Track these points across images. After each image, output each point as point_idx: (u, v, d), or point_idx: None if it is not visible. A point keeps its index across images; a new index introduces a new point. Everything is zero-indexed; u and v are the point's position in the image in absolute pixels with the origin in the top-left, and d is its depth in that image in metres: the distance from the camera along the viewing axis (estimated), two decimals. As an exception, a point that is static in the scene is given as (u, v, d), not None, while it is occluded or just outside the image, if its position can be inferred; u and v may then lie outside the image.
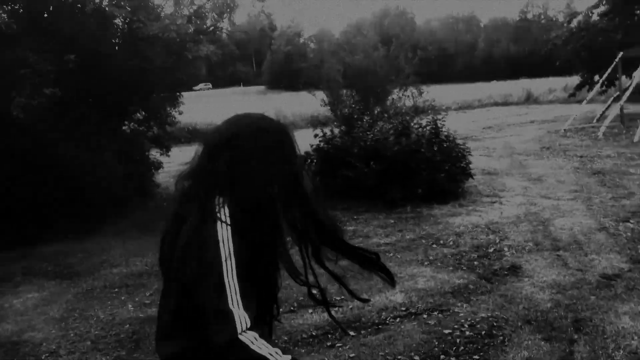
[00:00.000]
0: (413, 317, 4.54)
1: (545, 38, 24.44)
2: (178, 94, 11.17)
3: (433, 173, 8.24)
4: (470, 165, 9.29)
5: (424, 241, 6.65)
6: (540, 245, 6.20)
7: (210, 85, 72.64)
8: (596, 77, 18.55)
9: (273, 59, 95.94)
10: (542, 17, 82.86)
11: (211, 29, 9.90)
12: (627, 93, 15.98)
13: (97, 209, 8.02)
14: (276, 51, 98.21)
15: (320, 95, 14.22)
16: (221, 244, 1.37)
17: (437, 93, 32.42)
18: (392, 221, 7.56)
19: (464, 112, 27.88)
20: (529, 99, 30.16)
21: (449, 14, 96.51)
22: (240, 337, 1.33)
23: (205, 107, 27.38)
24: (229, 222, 1.41)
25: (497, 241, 6.45)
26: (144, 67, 8.09)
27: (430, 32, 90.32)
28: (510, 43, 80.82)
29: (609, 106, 17.55)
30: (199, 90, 57.86)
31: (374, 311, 4.66)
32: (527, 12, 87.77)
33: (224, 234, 1.39)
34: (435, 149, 8.49)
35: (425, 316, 4.54)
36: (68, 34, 7.43)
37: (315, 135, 9.14)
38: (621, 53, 17.15)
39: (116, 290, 5.64)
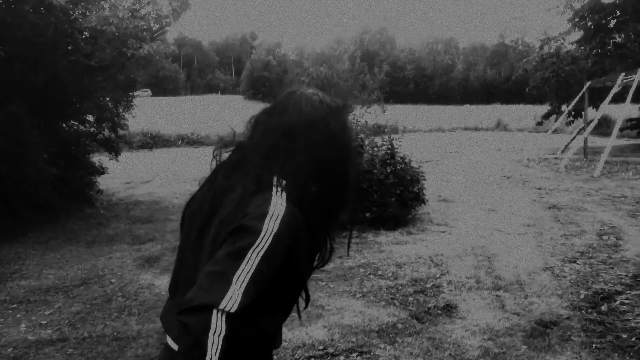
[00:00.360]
0: (329, 358, 4.17)
1: (519, 64, 24.45)
2: (131, 95, 10.73)
3: (384, 196, 7.92)
4: (425, 191, 9.01)
5: (362, 270, 6.30)
6: (481, 283, 5.89)
7: (150, 92, 70.93)
8: (564, 107, 18.56)
9: (252, 68, 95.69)
10: (520, 42, 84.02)
11: (159, 27, 9.43)
12: (592, 125, 15.97)
13: (23, 214, 7.50)
14: (255, 60, 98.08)
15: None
16: (270, 215, 1.28)
17: (410, 113, 32.60)
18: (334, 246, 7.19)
19: (433, 134, 27.85)
20: (499, 125, 30.30)
21: (429, 35, 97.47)
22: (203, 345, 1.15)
23: (173, 114, 26.96)
24: (285, 199, 1.33)
25: (438, 275, 6.13)
26: (84, 62, 7.58)
27: (410, 51, 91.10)
28: (487, 67, 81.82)
29: (574, 138, 17.55)
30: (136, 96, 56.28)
31: (289, 348, 4.28)
32: (505, 37, 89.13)
33: (278, 208, 1.30)
34: (389, 170, 8.16)
35: (342, 358, 4.17)
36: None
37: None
38: (588, 83, 17.17)
39: (14, 306, 5.14)
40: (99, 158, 10.41)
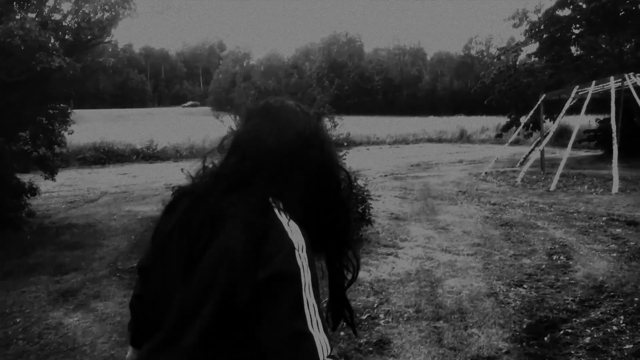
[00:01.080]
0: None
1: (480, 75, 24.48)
2: (69, 111, 10.20)
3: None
4: (373, 210, 8.67)
5: (296, 301, 5.88)
6: (420, 312, 5.53)
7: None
8: (523, 119, 18.52)
9: (220, 80, 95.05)
10: (485, 54, 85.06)
11: (90, 38, 8.90)
12: (547, 138, 15.87)
13: None
14: (223, 71, 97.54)
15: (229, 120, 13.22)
16: (297, 249, 1.22)
17: (376, 125, 32.49)
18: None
19: (397, 147, 27.69)
20: (462, 137, 30.31)
21: (396, 45, 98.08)
22: None
23: (132, 127, 26.24)
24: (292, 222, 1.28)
25: (376, 305, 5.75)
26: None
27: (378, 61, 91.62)
28: (453, 78, 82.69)
29: (532, 150, 17.47)
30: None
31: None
32: (471, 47, 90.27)
33: (297, 237, 1.25)
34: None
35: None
36: None
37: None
38: (543, 95, 17.14)
39: None
40: (30, 177, 9.82)
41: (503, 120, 25.66)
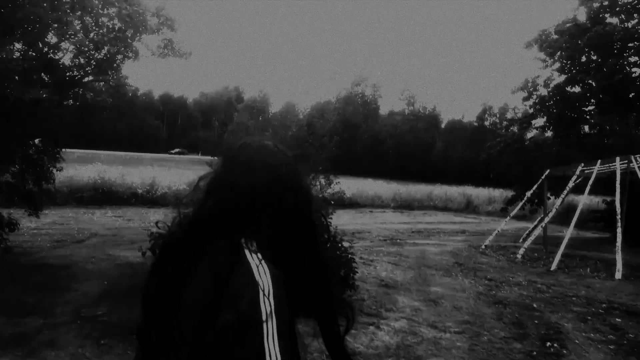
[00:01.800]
0: None
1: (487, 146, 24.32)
2: (57, 149, 10.02)
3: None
4: (358, 275, 8.27)
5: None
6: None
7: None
8: (528, 193, 18.19)
9: (235, 130, 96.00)
10: (498, 125, 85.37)
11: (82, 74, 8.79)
12: (550, 215, 15.45)
13: None
14: (239, 123, 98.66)
15: None
16: (263, 291, 1.18)
17: (380, 188, 32.21)
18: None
19: (401, 212, 27.31)
20: (469, 207, 29.91)
21: (411, 110, 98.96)
22: None
23: (136, 170, 26.14)
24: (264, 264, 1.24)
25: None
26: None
27: (392, 125, 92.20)
28: (465, 147, 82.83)
29: (535, 226, 17.02)
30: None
31: None
32: (485, 118, 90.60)
33: (265, 280, 1.21)
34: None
35: None
36: None
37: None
38: (547, 171, 16.83)
39: None
40: (9, 212, 9.56)
41: (510, 193, 25.39)
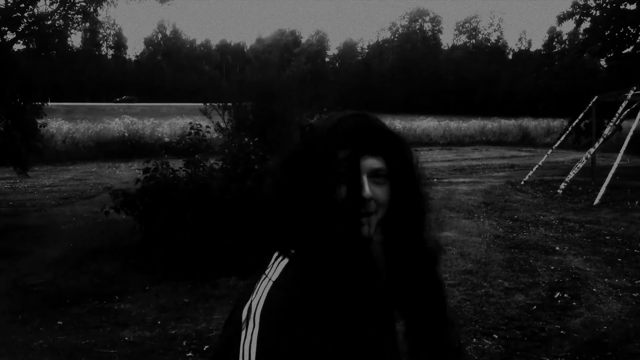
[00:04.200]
0: None
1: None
2: (40, 103, 9.53)
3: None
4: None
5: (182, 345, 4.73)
6: None
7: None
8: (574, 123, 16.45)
9: (291, 77, 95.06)
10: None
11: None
12: (597, 144, 13.84)
13: None
14: (295, 69, 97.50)
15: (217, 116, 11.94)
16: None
17: (428, 126, 30.68)
18: (186, 300, 5.57)
19: (449, 149, 25.91)
20: (524, 140, 28.02)
21: (472, 44, 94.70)
22: None
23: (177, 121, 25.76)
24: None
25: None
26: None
27: (454, 61, 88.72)
28: (532, 79, 78.57)
29: (588, 157, 15.39)
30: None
31: None
32: (554, 47, 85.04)
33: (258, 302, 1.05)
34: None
35: None
36: None
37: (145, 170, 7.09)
38: (596, 97, 15.06)
39: None
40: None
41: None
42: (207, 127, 8.16)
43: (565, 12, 19.52)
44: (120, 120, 21.54)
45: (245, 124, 10.69)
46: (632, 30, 17.86)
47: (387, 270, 1.18)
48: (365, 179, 1.07)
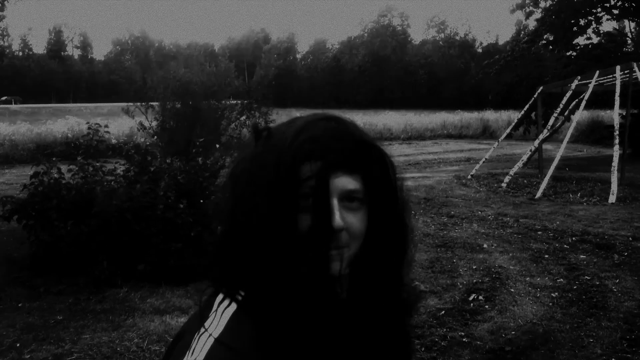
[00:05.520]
0: None
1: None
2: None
3: (168, 242, 5.85)
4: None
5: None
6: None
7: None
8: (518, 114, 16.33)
9: (263, 74, 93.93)
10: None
11: None
12: (542, 136, 13.63)
13: None
14: (265, 66, 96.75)
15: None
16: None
17: (389, 120, 30.41)
18: (60, 317, 5.09)
19: (409, 143, 25.68)
20: (485, 133, 27.93)
21: (441, 38, 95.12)
22: None
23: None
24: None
25: None
26: None
27: (423, 55, 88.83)
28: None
29: (537, 149, 15.20)
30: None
31: None
32: (521, 39, 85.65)
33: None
34: (185, 204, 6.07)
35: None
36: None
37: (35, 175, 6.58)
38: (541, 88, 14.87)
39: None
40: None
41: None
42: (106, 126, 7.64)
43: (516, 4, 19.42)
44: (64, 120, 20.84)
45: (169, 123, 10.19)
46: (581, 21, 17.77)
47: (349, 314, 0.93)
48: (335, 203, 0.86)
